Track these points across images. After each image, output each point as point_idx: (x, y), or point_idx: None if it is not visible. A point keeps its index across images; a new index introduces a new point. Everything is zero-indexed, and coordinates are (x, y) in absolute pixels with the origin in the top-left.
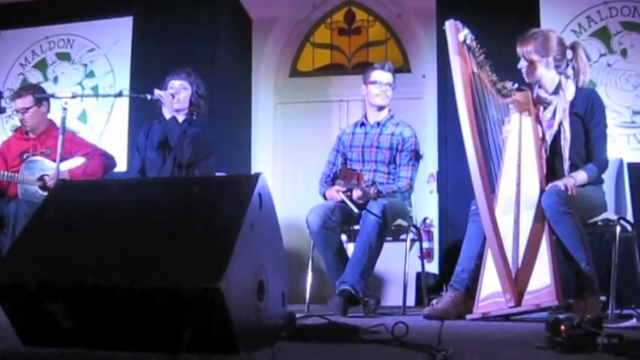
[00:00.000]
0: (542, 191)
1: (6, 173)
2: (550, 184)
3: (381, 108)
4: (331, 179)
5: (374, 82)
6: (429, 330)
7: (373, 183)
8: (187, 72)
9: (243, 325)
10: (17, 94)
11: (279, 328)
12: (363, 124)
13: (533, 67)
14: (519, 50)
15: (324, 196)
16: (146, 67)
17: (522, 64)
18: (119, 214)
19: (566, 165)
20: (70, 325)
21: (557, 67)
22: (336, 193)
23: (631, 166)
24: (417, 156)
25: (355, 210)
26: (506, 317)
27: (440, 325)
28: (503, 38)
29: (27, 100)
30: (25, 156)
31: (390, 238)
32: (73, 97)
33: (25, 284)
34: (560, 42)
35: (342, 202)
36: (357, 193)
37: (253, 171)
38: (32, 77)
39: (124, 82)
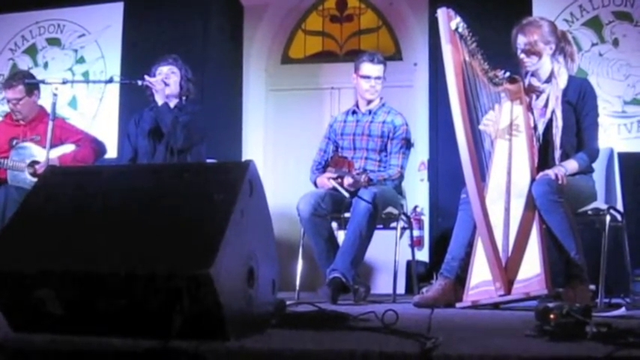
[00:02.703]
0: (532, 180)
1: None
2: (541, 173)
3: (370, 101)
4: (322, 167)
5: (363, 77)
6: (419, 318)
7: (364, 171)
8: (173, 57)
9: (234, 311)
10: (8, 85)
11: (270, 316)
12: (354, 112)
13: (538, 57)
14: (523, 39)
15: (315, 184)
16: (137, 53)
17: (524, 54)
18: (109, 200)
19: (558, 154)
20: (60, 312)
21: (552, 55)
22: (327, 181)
23: (621, 155)
24: (407, 144)
25: (346, 195)
26: (495, 305)
27: (430, 313)
28: (495, 27)
29: (18, 91)
30: (14, 142)
31: (380, 226)
32: (64, 83)
33: (15, 271)
34: (556, 29)
35: (334, 189)
36: (347, 181)
37: (244, 158)
38: (22, 63)
39: (114, 69)
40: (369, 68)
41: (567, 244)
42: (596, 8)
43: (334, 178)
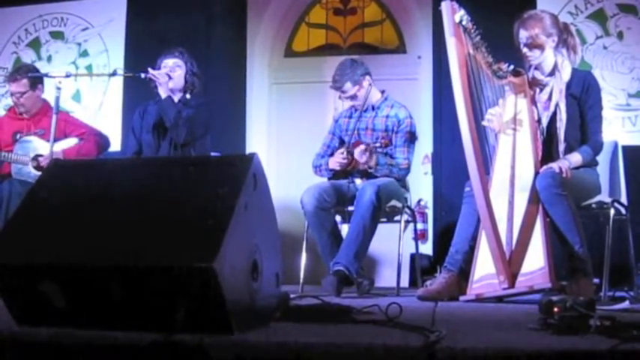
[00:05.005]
0: (536, 173)
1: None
2: (544, 167)
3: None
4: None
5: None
6: (423, 311)
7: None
8: (180, 51)
9: (237, 305)
10: (12, 78)
11: (273, 309)
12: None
13: (541, 50)
14: (524, 33)
15: (323, 170)
16: (140, 46)
17: (527, 47)
18: (113, 194)
19: (562, 147)
20: (63, 305)
21: (555, 47)
22: (339, 156)
23: (626, 148)
24: (412, 137)
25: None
26: (499, 299)
27: (433, 306)
28: (499, 19)
29: (22, 84)
30: (18, 136)
31: (384, 220)
32: (67, 76)
33: (19, 264)
34: (558, 21)
35: (339, 173)
36: (361, 148)
37: (248, 151)
38: (25, 56)
39: (118, 62)
40: (340, 94)
41: (571, 238)
42: (601, 1)
43: (346, 152)
